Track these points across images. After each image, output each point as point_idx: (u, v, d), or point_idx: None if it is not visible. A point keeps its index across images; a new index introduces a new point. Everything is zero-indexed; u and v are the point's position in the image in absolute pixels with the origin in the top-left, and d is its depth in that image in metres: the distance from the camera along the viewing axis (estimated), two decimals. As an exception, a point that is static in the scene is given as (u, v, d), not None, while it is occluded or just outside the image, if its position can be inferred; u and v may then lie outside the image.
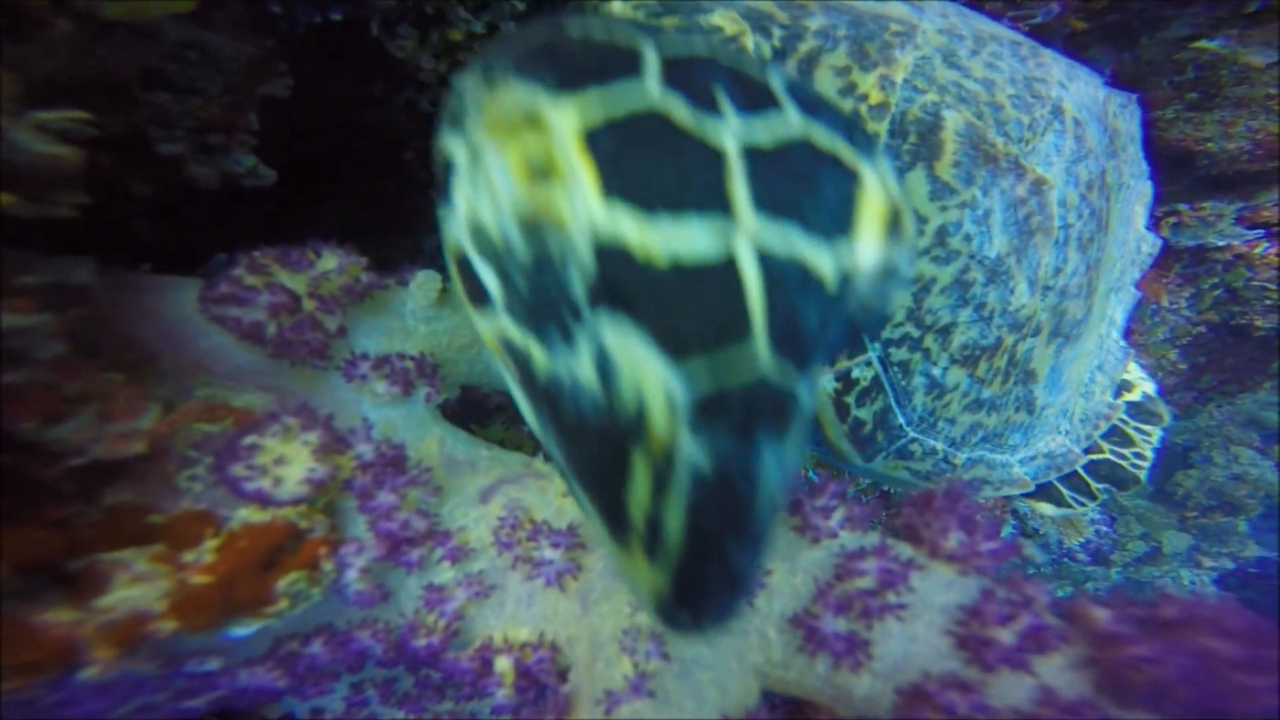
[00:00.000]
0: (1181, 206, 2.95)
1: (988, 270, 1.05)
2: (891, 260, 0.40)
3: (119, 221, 0.87)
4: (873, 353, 1.04)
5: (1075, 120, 1.17)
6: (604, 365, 0.36)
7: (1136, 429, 1.70)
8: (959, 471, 1.16)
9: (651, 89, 0.37)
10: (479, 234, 0.41)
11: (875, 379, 1.05)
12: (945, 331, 1.05)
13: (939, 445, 1.15)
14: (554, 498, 0.63)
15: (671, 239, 0.34)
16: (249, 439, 0.52)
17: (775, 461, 0.36)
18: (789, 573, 0.53)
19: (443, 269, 0.76)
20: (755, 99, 0.39)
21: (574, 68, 0.38)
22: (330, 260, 0.67)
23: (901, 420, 1.09)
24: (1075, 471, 1.57)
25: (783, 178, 0.37)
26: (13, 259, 0.46)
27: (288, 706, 0.85)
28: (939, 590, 0.50)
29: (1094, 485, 1.59)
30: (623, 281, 0.34)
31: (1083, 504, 1.61)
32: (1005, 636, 0.45)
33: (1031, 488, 1.31)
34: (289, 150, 0.99)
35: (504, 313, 0.42)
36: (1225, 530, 5.93)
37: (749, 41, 0.97)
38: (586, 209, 0.35)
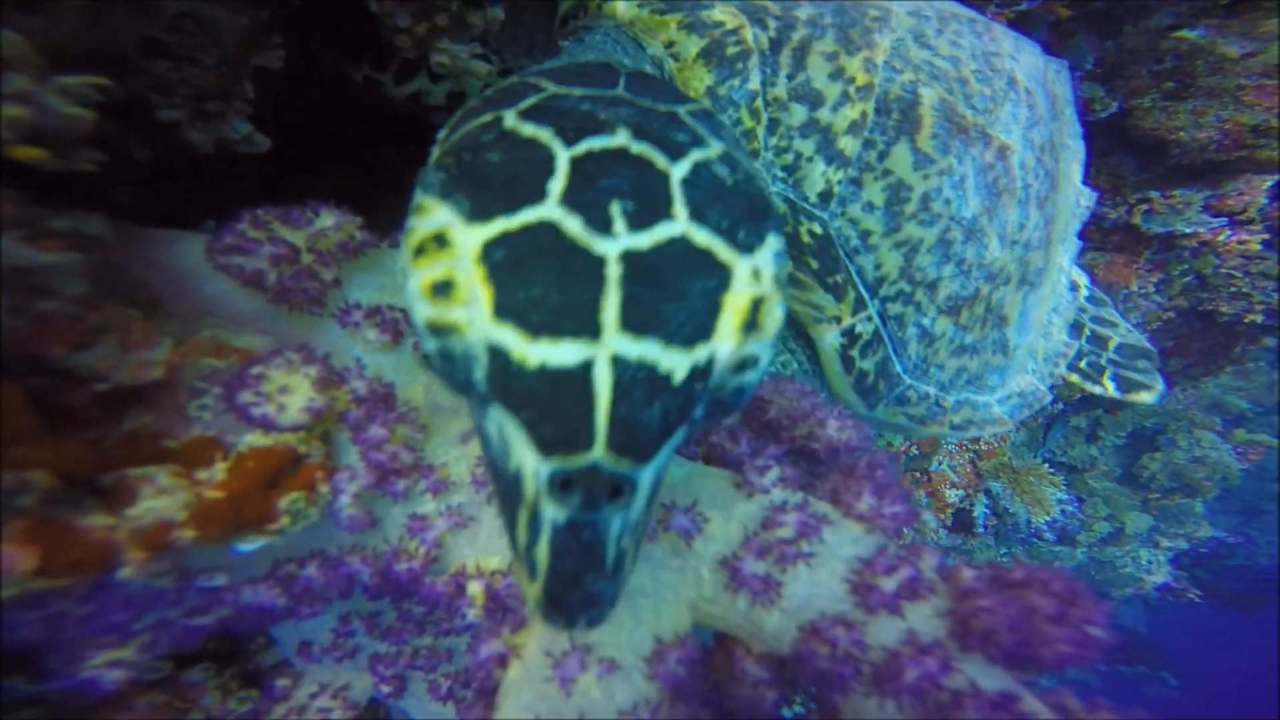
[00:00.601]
0: (1153, 194, 3.02)
1: (965, 229, 1.14)
2: (748, 352, 0.47)
3: (99, 188, 0.90)
4: (872, 308, 1.11)
5: (1026, 90, 1.27)
6: (500, 435, 0.46)
7: (1106, 313, 1.96)
8: (948, 414, 1.25)
9: (551, 210, 0.44)
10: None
11: (875, 332, 1.12)
12: (933, 286, 1.14)
13: (931, 390, 1.23)
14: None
15: (545, 354, 0.42)
16: (256, 369, 0.59)
17: (620, 521, 0.45)
18: (724, 521, 0.61)
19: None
20: (648, 204, 0.45)
21: (487, 193, 0.45)
22: (328, 219, 0.72)
23: (899, 368, 1.17)
24: (1123, 362, 1.83)
25: (653, 290, 0.44)
26: (36, 208, 0.51)
27: (279, 638, 0.94)
28: (845, 544, 0.58)
29: (1137, 364, 1.86)
30: (506, 384, 0.43)
31: (1153, 384, 1.87)
32: (888, 585, 0.54)
33: (1010, 426, 1.42)
34: (279, 120, 1.02)
35: (444, 372, 0.50)
36: (1183, 511, 6.18)
37: (748, 34, 1.02)
38: (483, 325, 0.43)
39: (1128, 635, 7.54)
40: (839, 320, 1.09)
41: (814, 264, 1.07)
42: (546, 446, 0.43)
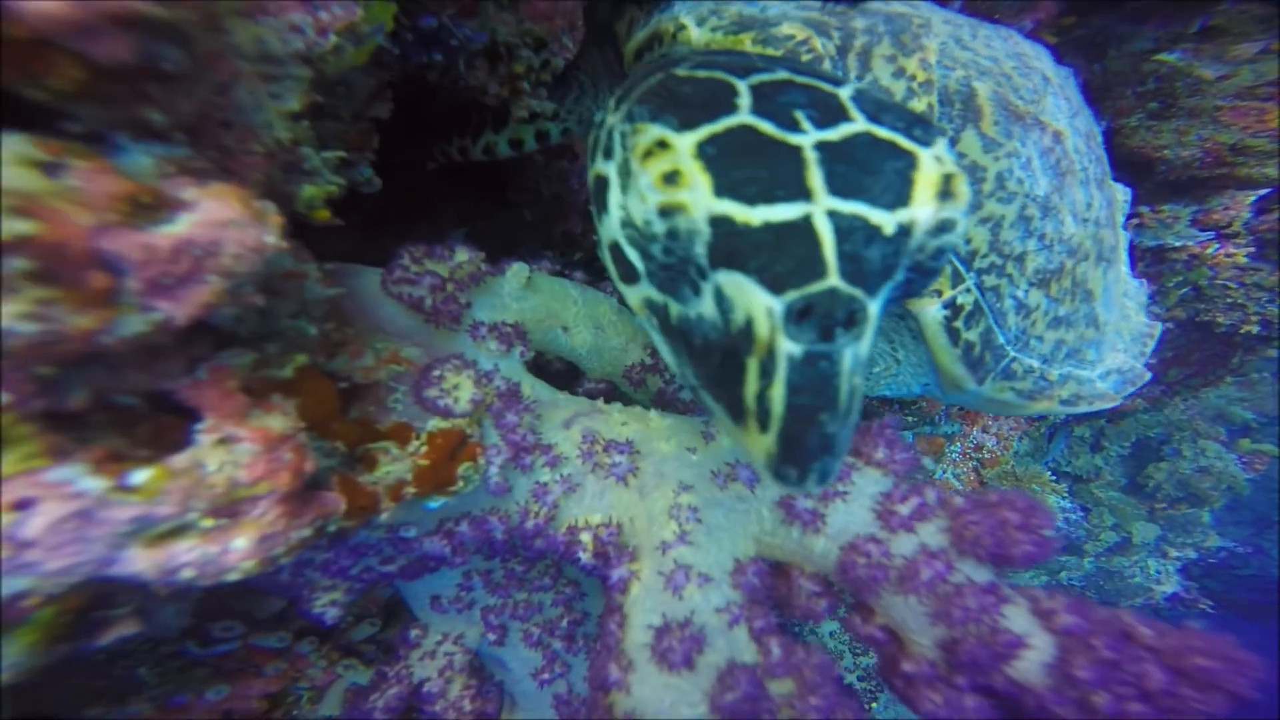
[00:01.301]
0: (1143, 209, 3.22)
1: (1040, 206, 1.19)
2: (945, 215, 0.51)
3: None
4: (970, 280, 1.12)
5: (1059, 85, 1.37)
6: (721, 302, 0.51)
7: None
8: (1055, 388, 1.25)
9: (745, 117, 0.51)
10: (629, 226, 0.57)
11: (975, 303, 1.13)
12: (1020, 259, 1.18)
13: (1035, 363, 1.22)
14: (616, 425, 0.91)
15: (766, 213, 0.48)
16: (436, 371, 0.80)
17: (852, 353, 0.48)
18: None
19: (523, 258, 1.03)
20: (828, 112, 0.52)
21: (689, 111, 0.53)
22: (462, 254, 0.94)
23: (1002, 339, 1.17)
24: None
25: (850, 168, 0.49)
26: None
27: (412, 595, 1.14)
28: (870, 484, 0.79)
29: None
30: (732, 244, 0.49)
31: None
32: (903, 510, 0.75)
33: (1119, 401, 1.42)
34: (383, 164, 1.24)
35: (647, 281, 0.58)
36: (1190, 521, 6.21)
37: (817, 43, 1.08)
38: (705, 202, 0.49)
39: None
40: (939, 293, 1.10)
41: None
42: (779, 283, 0.47)
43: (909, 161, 0.51)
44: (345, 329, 0.77)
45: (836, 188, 0.48)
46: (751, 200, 0.48)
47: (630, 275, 0.61)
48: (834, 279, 0.47)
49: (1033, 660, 0.67)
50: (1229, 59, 2.60)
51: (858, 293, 0.48)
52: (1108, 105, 2.89)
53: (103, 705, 1.24)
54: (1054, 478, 5.10)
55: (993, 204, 1.15)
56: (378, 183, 1.12)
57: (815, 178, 0.48)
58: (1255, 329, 3.69)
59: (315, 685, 1.47)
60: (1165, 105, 2.76)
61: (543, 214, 2.04)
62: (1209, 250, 3.23)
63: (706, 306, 0.53)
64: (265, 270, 0.59)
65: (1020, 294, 1.19)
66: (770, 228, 0.48)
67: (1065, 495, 5.16)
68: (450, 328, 0.93)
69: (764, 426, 0.49)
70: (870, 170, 0.50)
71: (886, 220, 0.49)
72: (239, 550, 0.57)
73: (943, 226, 0.51)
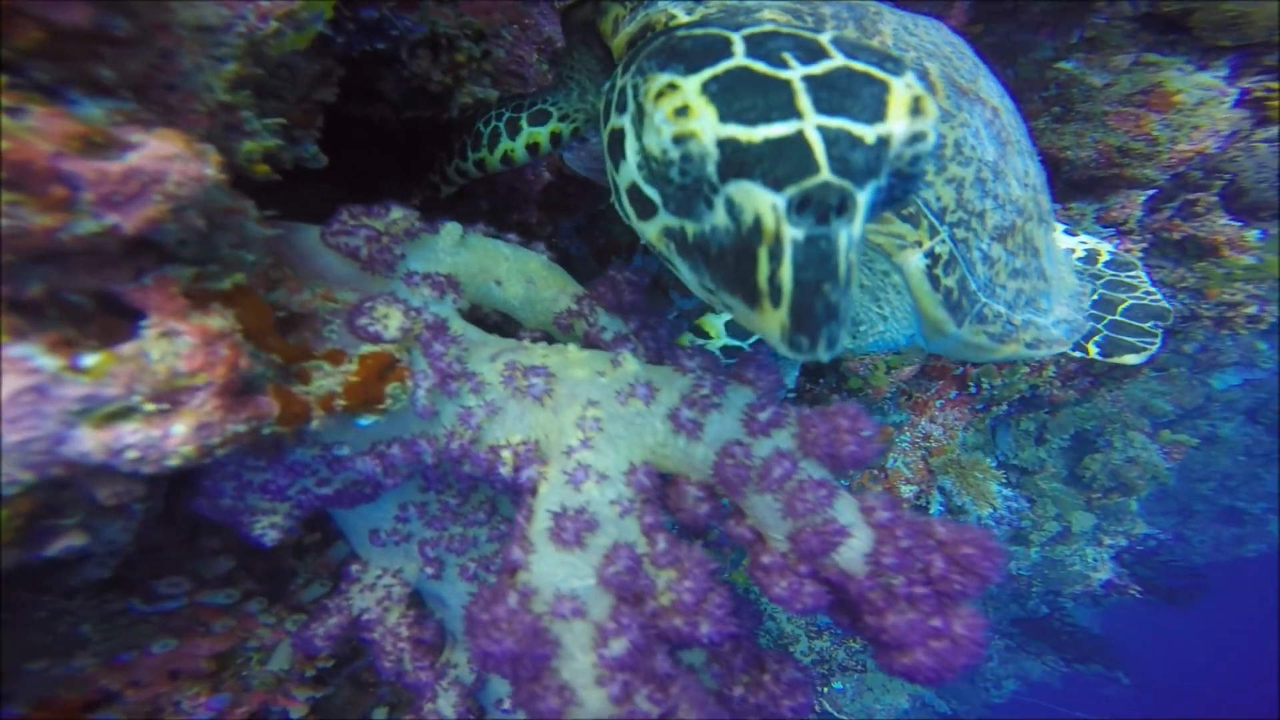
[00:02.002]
0: (1055, 206, 3.49)
1: (992, 170, 1.32)
2: (918, 128, 0.60)
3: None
4: (944, 232, 1.23)
5: (987, 70, 1.55)
6: (732, 209, 0.60)
7: (1128, 276, 2.01)
8: (1019, 332, 1.37)
9: (741, 60, 0.61)
10: (646, 163, 0.68)
11: (951, 254, 1.23)
12: (981, 216, 1.30)
13: (1001, 309, 1.34)
14: (537, 356, 1.03)
15: (765, 131, 0.58)
16: (368, 303, 0.90)
17: (847, 234, 0.58)
18: (668, 390, 0.94)
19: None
20: (811, 52, 0.62)
21: (692, 59, 0.63)
22: (397, 212, 1.05)
23: (974, 285, 1.28)
24: (1127, 324, 1.86)
25: (833, 94, 0.58)
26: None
27: (351, 529, 1.22)
28: (740, 398, 0.91)
29: (1144, 326, 1.87)
30: (739, 159, 0.58)
31: (1148, 345, 1.84)
32: (762, 416, 0.87)
33: (1068, 346, 1.54)
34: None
35: (664, 211, 0.68)
36: (1121, 510, 6.58)
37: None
38: (713, 128, 0.59)
39: (1084, 635, 7.89)
40: (920, 245, 1.21)
41: None
42: (781, 183, 0.56)
43: (883, 87, 0.61)
44: (284, 269, 0.86)
45: (823, 108, 0.58)
46: (752, 122, 0.58)
47: (647, 210, 0.71)
48: (825, 174, 0.56)
49: (855, 549, 0.80)
50: (1111, 68, 2.89)
51: (847, 184, 0.57)
52: (1020, 108, 3.14)
53: (46, 659, 1.28)
54: (995, 466, 5.32)
55: (955, 167, 1.27)
56: (323, 159, 1.21)
57: (804, 102, 0.58)
58: (1165, 322, 4.00)
59: (264, 645, 1.52)
60: (1066, 110, 3.05)
61: (498, 204, 2.15)
62: (1110, 245, 3.53)
63: (719, 217, 0.62)
64: (205, 198, 0.68)
65: (984, 247, 1.31)
66: (769, 142, 0.57)
67: (1004, 483, 5.40)
68: (385, 275, 1.03)
69: (776, 303, 0.59)
70: (851, 95, 0.59)
71: (867, 132, 0.59)
72: (178, 435, 0.66)
73: (916, 137, 0.61)
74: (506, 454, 0.96)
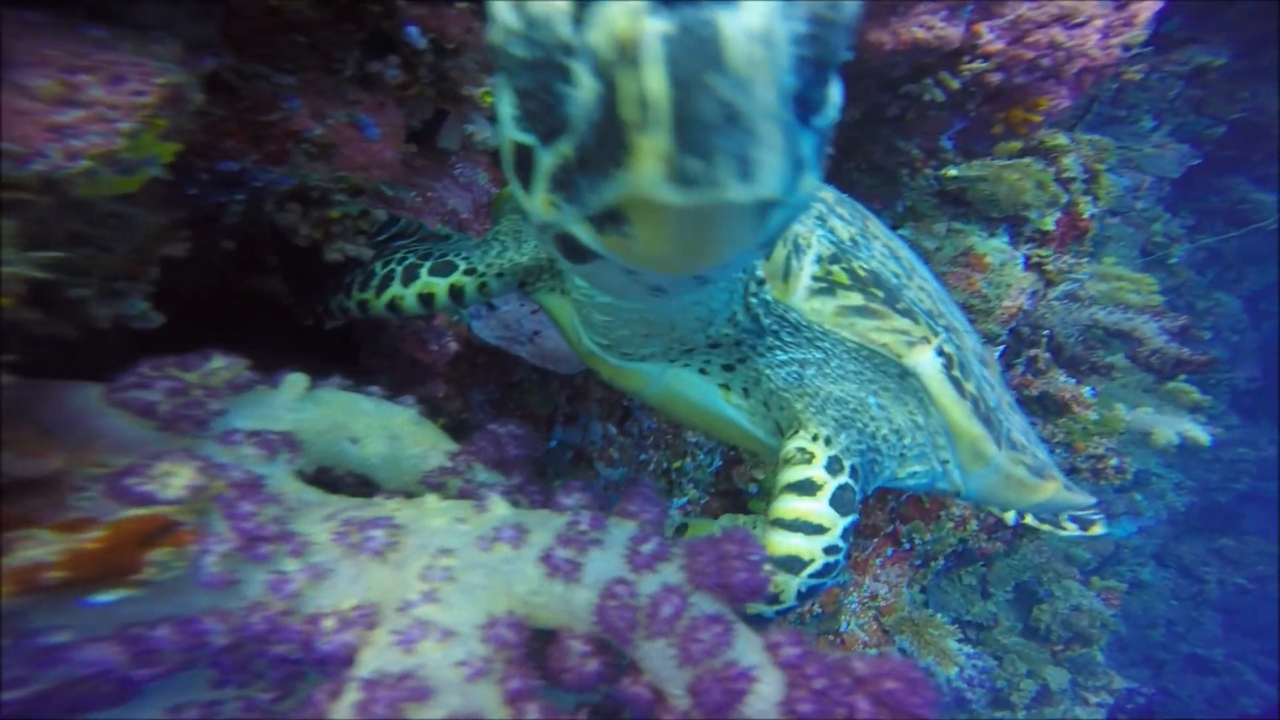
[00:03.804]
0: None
1: (946, 303, 1.33)
2: None
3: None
4: (942, 332, 1.11)
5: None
6: (593, 60, 0.45)
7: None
8: (1050, 469, 1.23)
9: None
10: (509, 83, 0.54)
11: (960, 356, 1.10)
12: (958, 332, 1.23)
13: (1021, 438, 1.19)
14: (386, 510, 0.85)
15: None
16: (145, 462, 0.72)
17: (736, 20, 0.41)
18: (541, 531, 0.79)
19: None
20: None
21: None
22: (219, 361, 0.92)
23: (993, 402, 1.14)
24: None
25: None
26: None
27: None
28: (623, 533, 0.79)
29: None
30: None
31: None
32: (646, 549, 0.75)
33: (1094, 501, 1.47)
34: (183, 301, 1.21)
35: (540, 145, 0.54)
36: (1087, 661, 6.30)
37: None
38: None
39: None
40: (928, 340, 1.07)
41: (879, 293, 1.10)
42: None
43: None
44: (22, 429, 0.69)
45: None
46: None
47: (527, 167, 0.57)
48: None
49: (766, 698, 0.66)
50: (934, 234, 3.39)
51: None
52: None
53: None
54: (949, 622, 5.08)
55: (918, 278, 1.27)
56: (156, 319, 1.05)
57: None
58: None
59: None
60: None
61: (398, 379, 2.02)
62: None
63: (583, 80, 0.47)
64: None
65: (975, 366, 1.20)
66: None
67: (962, 638, 5.10)
68: (194, 434, 0.87)
69: (648, 124, 0.43)
70: None
71: None
72: None
73: None
74: (329, 622, 0.73)
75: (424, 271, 1.37)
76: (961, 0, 1.81)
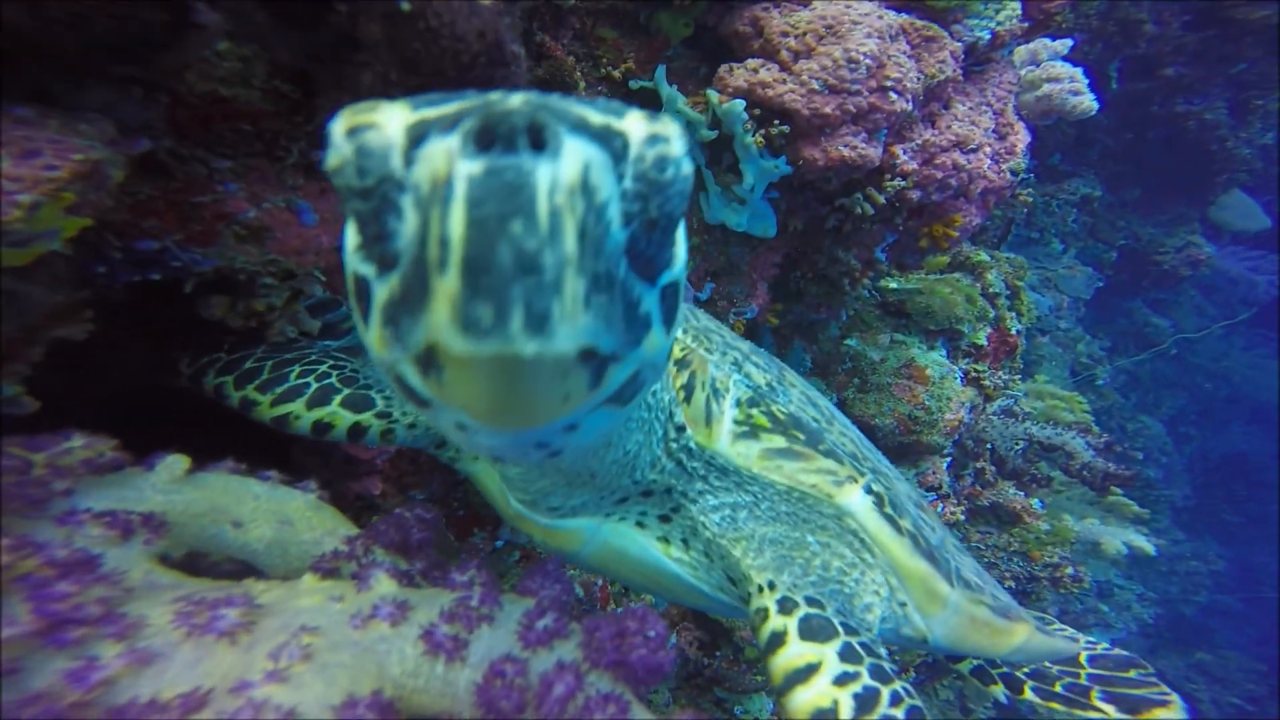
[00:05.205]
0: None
1: (866, 449, 1.33)
2: (657, 130, 0.49)
3: None
4: (867, 474, 1.09)
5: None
6: (416, 193, 0.45)
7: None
8: (1017, 610, 1.19)
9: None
10: (348, 208, 0.50)
11: (890, 495, 1.08)
12: (884, 475, 1.22)
13: (973, 578, 1.14)
14: (252, 591, 0.73)
15: (458, 103, 0.46)
16: None
17: (548, 170, 0.41)
18: (427, 609, 0.70)
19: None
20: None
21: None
22: (77, 441, 0.83)
23: (934, 540, 1.10)
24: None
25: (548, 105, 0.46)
26: None
27: None
28: (517, 609, 0.71)
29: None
30: (423, 130, 0.46)
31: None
32: (541, 624, 0.68)
33: (1082, 644, 1.40)
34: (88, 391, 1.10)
35: (374, 276, 0.51)
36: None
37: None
38: (401, 115, 0.48)
39: None
40: (854, 479, 1.05)
41: (800, 435, 1.10)
42: (459, 121, 0.42)
43: (621, 112, 0.50)
44: None
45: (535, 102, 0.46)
46: (445, 102, 0.47)
47: (363, 293, 0.54)
48: (515, 104, 0.43)
49: None
50: (878, 345, 3.48)
51: (544, 117, 0.42)
52: (829, 380, 3.49)
53: None
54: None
55: (839, 425, 1.26)
56: (29, 405, 0.97)
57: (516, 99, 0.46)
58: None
59: None
60: (863, 381, 3.48)
61: (333, 476, 1.88)
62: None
63: (408, 214, 0.46)
64: None
65: (910, 507, 1.18)
66: (460, 108, 0.45)
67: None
68: (26, 515, 0.75)
69: (444, 265, 0.41)
70: (581, 106, 0.48)
71: (590, 111, 0.47)
72: None
73: (657, 138, 0.48)
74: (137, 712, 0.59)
75: (337, 400, 1.24)
76: (876, 124, 2.00)
